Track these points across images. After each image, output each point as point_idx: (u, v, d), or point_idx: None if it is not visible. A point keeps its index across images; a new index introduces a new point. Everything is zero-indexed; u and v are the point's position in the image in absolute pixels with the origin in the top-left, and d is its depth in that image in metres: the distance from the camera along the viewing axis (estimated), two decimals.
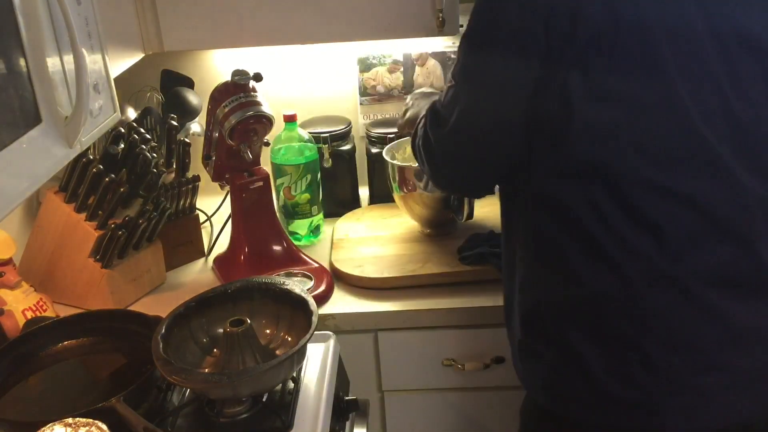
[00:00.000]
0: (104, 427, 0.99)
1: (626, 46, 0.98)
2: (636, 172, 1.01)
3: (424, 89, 1.62)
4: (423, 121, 1.21)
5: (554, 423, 1.15)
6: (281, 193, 1.69)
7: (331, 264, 1.60)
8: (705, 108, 1.00)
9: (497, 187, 1.24)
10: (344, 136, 1.80)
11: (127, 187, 1.45)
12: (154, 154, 1.50)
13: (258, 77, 1.47)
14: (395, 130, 1.71)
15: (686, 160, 1.01)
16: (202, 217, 1.76)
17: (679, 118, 1.00)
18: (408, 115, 1.50)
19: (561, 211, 1.06)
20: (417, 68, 1.88)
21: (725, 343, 1.04)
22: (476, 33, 1.08)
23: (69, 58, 0.99)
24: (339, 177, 1.81)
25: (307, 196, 1.68)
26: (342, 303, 1.49)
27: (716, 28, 1.00)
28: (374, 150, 1.77)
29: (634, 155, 1.01)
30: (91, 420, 0.99)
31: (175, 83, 1.81)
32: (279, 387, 1.22)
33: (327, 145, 1.76)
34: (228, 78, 1.47)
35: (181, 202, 1.64)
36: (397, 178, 1.61)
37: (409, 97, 1.56)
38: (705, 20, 0.99)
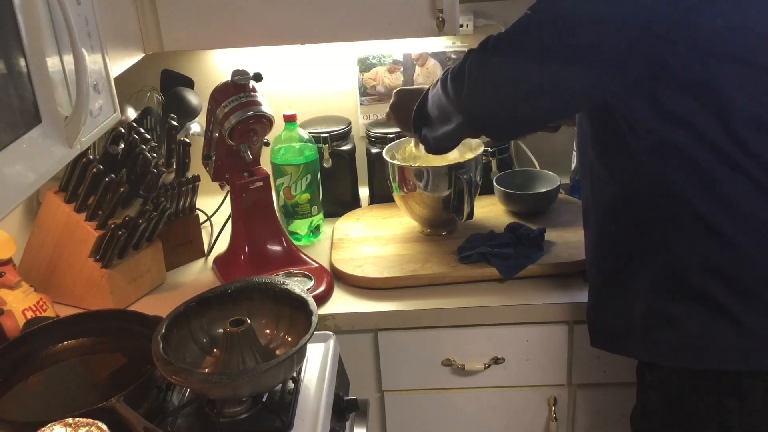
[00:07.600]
0: (104, 427, 0.98)
1: None
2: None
3: (407, 87, 1.61)
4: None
5: (704, 383, 1.16)
6: (281, 193, 1.69)
7: (331, 264, 1.60)
8: None
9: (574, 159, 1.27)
10: (344, 136, 1.80)
11: (127, 187, 1.45)
12: (154, 154, 1.50)
13: (258, 77, 1.47)
14: (395, 129, 1.71)
15: None
16: (202, 217, 1.76)
17: None
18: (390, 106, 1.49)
19: (686, 160, 1.09)
20: (417, 68, 1.88)
21: None
22: None
23: (69, 58, 0.99)
24: (339, 177, 1.81)
25: (307, 196, 1.68)
26: (342, 303, 1.49)
27: None
28: (374, 150, 1.77)
29: None
30: (91, 420, 0.99)
31: (175, 83, 1.81)
32: (279, 387, 1.22)
33: (327, 145, 1.76)
34: (228, 78, 1.47)
35: (181, 202, 1.64)
36: (397, 178, 1.61)
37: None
38: None
